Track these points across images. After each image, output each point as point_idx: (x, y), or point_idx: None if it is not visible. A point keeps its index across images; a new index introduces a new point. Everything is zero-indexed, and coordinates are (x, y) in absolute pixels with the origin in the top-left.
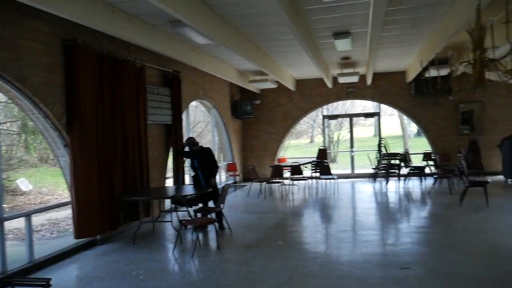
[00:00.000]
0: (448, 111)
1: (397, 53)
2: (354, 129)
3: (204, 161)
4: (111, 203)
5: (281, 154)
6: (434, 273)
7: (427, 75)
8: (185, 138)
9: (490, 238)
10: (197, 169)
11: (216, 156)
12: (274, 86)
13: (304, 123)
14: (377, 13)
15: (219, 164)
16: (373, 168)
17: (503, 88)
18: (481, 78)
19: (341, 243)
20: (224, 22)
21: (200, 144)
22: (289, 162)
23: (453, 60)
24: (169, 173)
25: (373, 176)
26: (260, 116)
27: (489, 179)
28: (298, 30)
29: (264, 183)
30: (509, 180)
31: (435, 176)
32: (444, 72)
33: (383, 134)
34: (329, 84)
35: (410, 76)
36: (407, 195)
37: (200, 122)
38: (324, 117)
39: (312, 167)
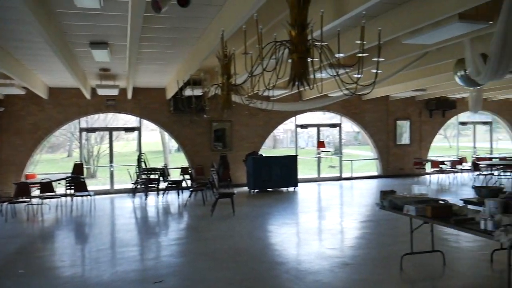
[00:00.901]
0: (203, 128)
1: (157, 70)
2: (117, 143)
3: None
4: None
5: (31, 169)
6: (187, 281)
7: (185, 93)
8: None
9: (235, 243)
10: None
11: None
12: (22, 92)
13: (61, 136)
14: (134, 28)
15: None
16: (132, 183)
17: (246, 110)
18: (227, 100)
19: (96, 263)
20: None
21: None
22: (40, 178)
23: (207, 82)
24: None
25: (133, 191)
26: (3, 126)
27: (236, 190)
28: (48, 34)
29: (6, 203)
30: (252, 190)
31: (190, 189)
32: (198, 92)
33: (145, 149)
34: (87, 95)
35: (170, 93)
36: (166, 209)
37: None
38: (82, 129)
39: (67, 183)
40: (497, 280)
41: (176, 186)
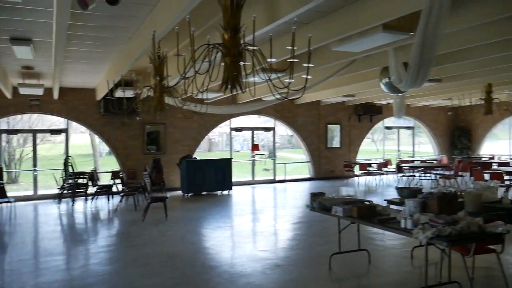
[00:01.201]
0: (136, 131)
1: (86, 69)
2: (43, 146)
3: None
4: None
5: None
6: None
7: (116, 95)
8: None
9: (167, 248)
10: None
11: None
12: None
13: None
14: (60, 24)
15: None
16: (58, 188)
17: (180, 113)
18: (160, 102)
19: (17, 274)
20: None
21: None
22: None
23: (139, 83)
24: None
25: (59, 197)
26: None
27: (169, 194)
28: None
29: None
30: (186, 194)
31: (121, 194)
32: (129, 93)
33: (73, 152)
34: (8, 94)
35: (100, 94)
36: (95, 215)
37: None
38: (2, 131)
39: None
40: (417, 275)
41: (106, 190)
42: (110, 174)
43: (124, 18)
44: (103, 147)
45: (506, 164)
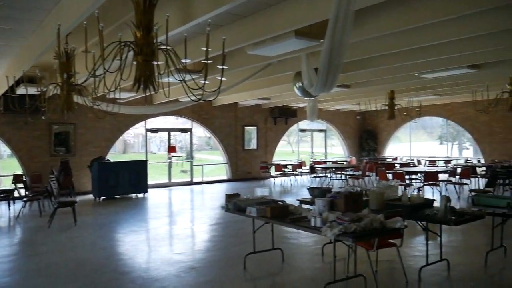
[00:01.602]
0: (41, 131)
1: None
2: None
3: None
4: None
5: None
6: None
7: (18, 92)
8: None
9: (75, 256)
10: None
11: None
12: None
13: None
14: None
15: None
16: None
17: (91, 112)
18: (68, 101)
19: None
20: None
21: None
22: None
23: (45, 80)
24: None
25: None
26: None
27: (79, 198)
28: None
29: None
30: (97, 198)
31: (24, 199)
32: (33, 90)
33: None
34: None
35: None
36: None
37: None
38: None
39: None
40: (327, 270)
41: (6, 196)
42: (12, 177)
43: (28, 9)
44: (4, 149)
45: (407, 164)
